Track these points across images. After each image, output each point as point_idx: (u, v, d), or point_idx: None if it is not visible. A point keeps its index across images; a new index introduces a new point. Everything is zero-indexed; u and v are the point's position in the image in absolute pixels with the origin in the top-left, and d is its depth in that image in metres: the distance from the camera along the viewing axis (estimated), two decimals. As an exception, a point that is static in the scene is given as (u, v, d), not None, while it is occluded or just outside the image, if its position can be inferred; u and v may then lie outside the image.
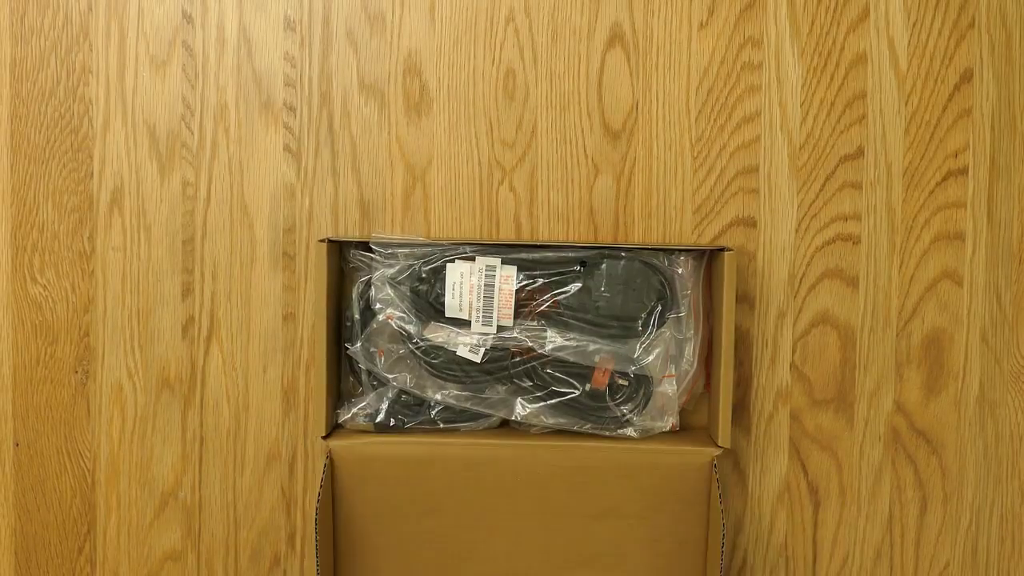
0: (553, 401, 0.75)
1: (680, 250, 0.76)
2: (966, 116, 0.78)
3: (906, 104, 0.78)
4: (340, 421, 0.78)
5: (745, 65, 0.79)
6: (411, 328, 0.75)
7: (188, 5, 0.80)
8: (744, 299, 0.79)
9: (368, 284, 0.76)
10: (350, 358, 0.78)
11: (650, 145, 0.79)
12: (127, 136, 0.81)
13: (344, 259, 0.79)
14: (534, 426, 0.76)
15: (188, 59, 0.81)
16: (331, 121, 0.80)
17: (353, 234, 0.80)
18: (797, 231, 0.79)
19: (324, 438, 0.76)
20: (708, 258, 0.77)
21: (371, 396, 0.77)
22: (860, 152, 0.78)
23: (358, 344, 0.76)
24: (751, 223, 0.79)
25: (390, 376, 0.76)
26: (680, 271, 0.75)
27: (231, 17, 0.80)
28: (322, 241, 0.75)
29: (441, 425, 0.77)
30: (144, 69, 0.81)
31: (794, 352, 0.79)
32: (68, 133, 0.81)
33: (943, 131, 0.78)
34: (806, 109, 0.79)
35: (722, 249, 0.74)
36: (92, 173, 0.81)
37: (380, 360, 0.76)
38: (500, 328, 0.75)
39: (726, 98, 0.79)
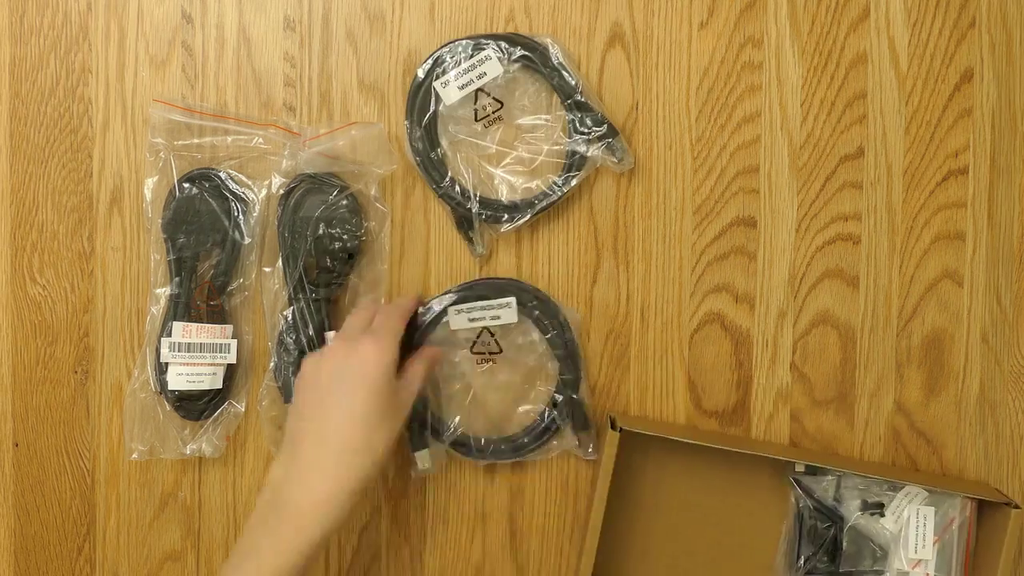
0: None
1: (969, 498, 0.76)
2: (966, 116, 0.78)
3: (906, 104, 0.78)
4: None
5: (745, 65, 0.79)
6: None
7: (188, 5, 0.80)
8: (744, 299, 0.79)
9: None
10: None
11: (650, 145, 0.79)
12: (127, 136, 0.81)
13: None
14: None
15: (188, 59, 0.80)
16: (331, 121, 0.80)
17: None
18: (797, 231, 0.79)
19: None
20: (977, 506, 0.77)
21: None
22: (860, 152, 0.78)
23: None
24: (751, 223, 0.79)
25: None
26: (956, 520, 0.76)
27: (231, 17, 0.80)
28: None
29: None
30: (144, 69, 0.81)
31: (794, 352, 0.79)
32: (68, 133, 0.81)
33: (943, 131, 0.78)
34: (806, 109, 0.79)
35: (1008, 503, 0.73)
36: (92, 173, 0.81)
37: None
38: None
39: (726, 98, 0.79)
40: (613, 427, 0.73)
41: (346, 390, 0.67)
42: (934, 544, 0.75)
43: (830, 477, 0.76)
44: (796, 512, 0.76)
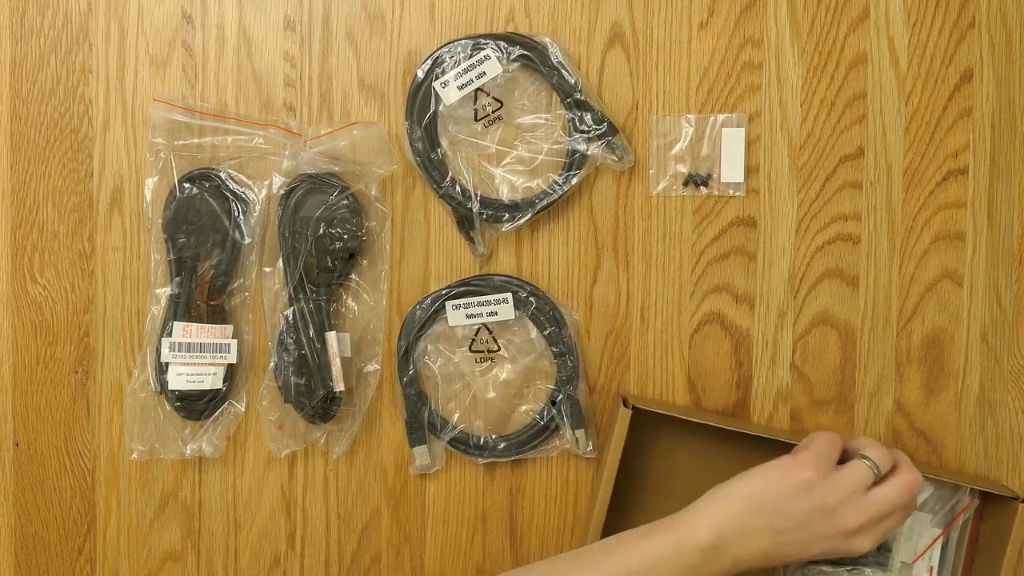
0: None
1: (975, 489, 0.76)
2: (966, 116, 0.78)
3: (906, 104, 0.78)
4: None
5: (745, 65, 0.79)
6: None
7: (188, 5, 0.80)
8: (744, 299, 0.79)
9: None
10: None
11: (650, 145, 0.79)
12: (127, 136, 0.81)
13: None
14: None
15: (188, 59, 0.81)
16: (331, 121, 0.80)
17: (353, 234, 0.80)
18: (797, 231, 0.79)
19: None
20: (981, 499, 0.77)
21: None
22: (860, 152, 0.78)
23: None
24: (751, 223, 0.79)
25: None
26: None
27: (231, 17, 0.80)
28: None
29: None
30: (144, 69, 0.81)
31: (794, 352, 0.79)
32: (68, 133, 0.81)
33: (943, 131, 0.78)
34: (806, 109, 0.79)
35: (1015, 497, 0.74)
36: (92, 173, 0.81)
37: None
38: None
39: (726, 98, 0.79)
40: (625, 405, 0.73)
41: (820, 546, 0.67)
42: (937, 537, 0.75)
43: None
44: None
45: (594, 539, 0.74)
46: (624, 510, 0.78)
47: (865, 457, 0.68)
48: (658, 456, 0.78)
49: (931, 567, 0.75)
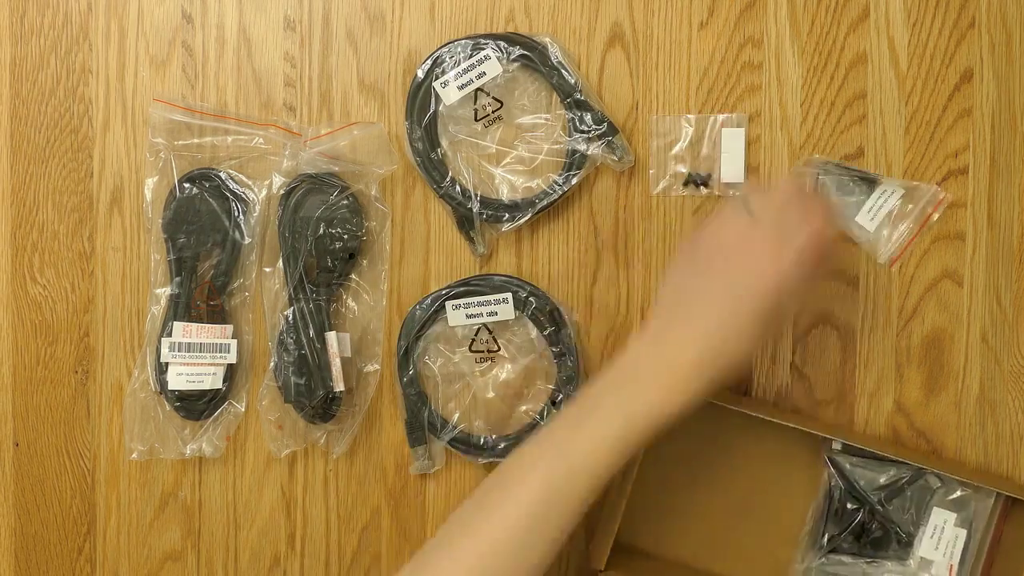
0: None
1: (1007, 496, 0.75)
2: (966, 116, 0.78)
3: (906, 104, 0.78)
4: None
5: (745, 65, 0.79)
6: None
7: (188, 5, 0.80)
8: (744, 299, 0.79)
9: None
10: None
11: (650, 145, 0.79)
12: (127, 136, 0.81)
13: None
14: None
15: (188, 59, 0.81)
16: (331, 121, 0.80)
17: (353, 234, 0.80)
18: (797, 231, 0.79)
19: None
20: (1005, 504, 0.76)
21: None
22: (860, 152, 0.78)
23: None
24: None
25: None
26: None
27: (231, 17, 0.80)
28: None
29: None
30: (144, 69, 0.81)
31: (794, 352, 0.79)
32: (68, 133, 0.81)
33: (943, 131, 0.78)
34: (806, 109, 0.79)
35: None
36: (92, 173, 0.81)
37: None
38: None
39: (726, 98, 0.79)
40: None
41: (735, 289, 0.62)
42: (959, 536, 0.75)
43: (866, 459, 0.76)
44: (827, 490, 0.76)
45: (615, 515, 0.72)
46: (642, 487, 0.77)
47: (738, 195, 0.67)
48: (679, 435, 0.75)
49: (951, 565, 0.75)
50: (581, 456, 0.61)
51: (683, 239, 0.67)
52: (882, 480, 0.75)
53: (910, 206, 0.77)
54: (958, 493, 0.75)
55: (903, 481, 0.75)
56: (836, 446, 0.76)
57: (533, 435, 0.65)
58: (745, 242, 0.63)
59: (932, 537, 0.75)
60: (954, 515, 0.75)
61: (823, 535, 0.75)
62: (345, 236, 0.78)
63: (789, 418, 0.75)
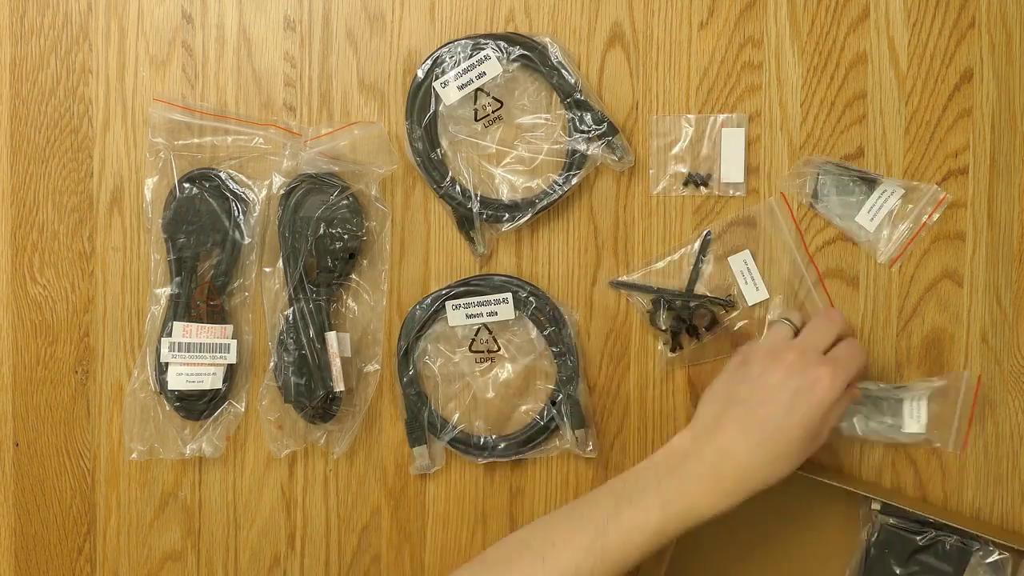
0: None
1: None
2: (966, 116, 0.78)
3: (906, 104, 0.78)
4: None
5: (745, 65, 0.79)
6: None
7: (188, 5, 0.80)
8: (744, 299, 0.79)
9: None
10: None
11: (650, 145, 0.79)
12: (127, 136, 0.81)
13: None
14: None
15: (188, 59, 0.81)
16: (331, 121, 0.80)
17: (353, 234, 0.80)
18: (797, 231, 0.79)
19: None
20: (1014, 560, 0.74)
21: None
22: (860, 152, 0.78)
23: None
24: (751, 223, 0.79)
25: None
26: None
27: (231, 17, 0.80)
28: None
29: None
30: (144, 69, 0.81)
31: (794, 352, 0.79)
32: (68, 133, 0.81)
33: (943, 131, 0.78)
34: (806, 109, 0.79)
35: None
36: (92, 173, 0.81)
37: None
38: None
39: (726, 98, 0.79)
40: None
41: (789, 401, 0.66)
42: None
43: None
44: (864, 548, 0.75)
45: None
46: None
47: (785, 319, 0.73)
48: None
49: None
50: (617, 540, 0.65)
51: (738, 347, 0.74)
52: (920, 541, 0.75)
53: (910, 206, 0.77)
54: (995, 556, 0.75)
55: (942, 542, 0.75)
56: (875, 506, 0.75)
57: (570, 505, 0.69)
58: (803, 364, 0.68)
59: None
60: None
61: None
62: (345, 236, 0.78)
63: (826, 475, 0.75)
